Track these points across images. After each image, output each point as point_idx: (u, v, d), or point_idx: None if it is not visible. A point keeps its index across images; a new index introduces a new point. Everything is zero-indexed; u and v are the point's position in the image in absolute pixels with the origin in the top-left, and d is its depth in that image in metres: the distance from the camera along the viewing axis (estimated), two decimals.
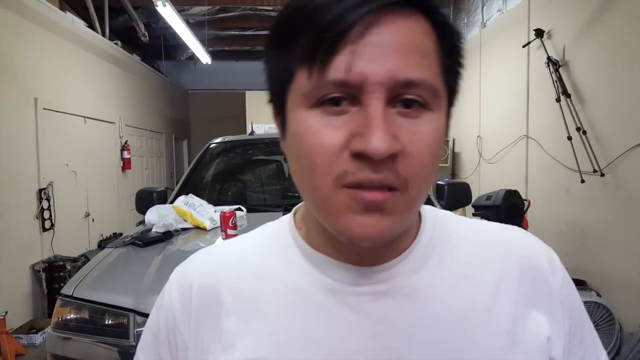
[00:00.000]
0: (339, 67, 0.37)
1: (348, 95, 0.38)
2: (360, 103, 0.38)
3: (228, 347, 0.46)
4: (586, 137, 2.97)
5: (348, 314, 0.45)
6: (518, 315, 0.46)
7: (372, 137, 0.36)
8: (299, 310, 0.46)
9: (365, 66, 0.37)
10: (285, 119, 0.43)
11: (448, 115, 0.44)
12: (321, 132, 0.39)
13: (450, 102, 0.44)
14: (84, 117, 4.97)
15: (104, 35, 5.49)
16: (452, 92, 0.43)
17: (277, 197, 3.08)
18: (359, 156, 0.37)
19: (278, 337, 0.45)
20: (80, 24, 4.87)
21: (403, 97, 0.38)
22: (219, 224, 2.19)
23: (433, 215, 0.51)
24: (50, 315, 1.77)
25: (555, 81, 3.26)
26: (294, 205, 0.55)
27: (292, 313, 0.46)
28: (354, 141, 0.38)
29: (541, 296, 0.48)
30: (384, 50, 0.37)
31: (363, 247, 0.42)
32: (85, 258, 4.14)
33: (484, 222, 0.55)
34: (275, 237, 0.52)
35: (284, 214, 0.54)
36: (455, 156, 5.83)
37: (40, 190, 4.00)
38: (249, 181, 3.27)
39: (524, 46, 3.77)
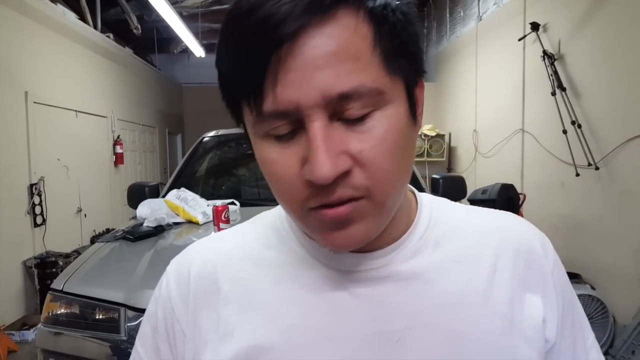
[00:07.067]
0: (270, 101, 0.37)
1: (293, 121, 0.37)
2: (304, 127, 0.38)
3: (226, 336, 0.47)
4: (581, 131, 2.97)
5: (347, 299, 0.46)
6: (514, 298, 0.47)
7: (314, 166, 0.36)
8: (298, 297, 0.46)
9: (294, 92, 0.36)
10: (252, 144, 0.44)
11: (411, 100, 0.41)
12: (278, 162, 0.39)
13: (410, 87, 0.41)
14: (76, 111, 4.91)
15: (95, 27, 5.42)
16: (409, 76, 0.40)
17: (271, 192, 3.04)
18: (312, 182, 0.37)
19: (277, 324, 0.46)
20: (71, 16, 4.81)
21: (346, 110, 0.37)
22: (211, 218, 2.17)
23: (429, 202, 0.52)
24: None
25: (551, 75, 3.25)
26: None
27: (290, 300, 0.47)
28: (305, 168, 0.37)
29: (535, 278, 0.49)
30: (308, 71, 0.35)
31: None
32: (78, 254, 4.10)
33: (478, 207, 0.55)
34: (272, 227, 0.52)
35: None
36: (451, 150, 5.83)
37: (31, 186, 3.95)
38: (242, 175, 3.23)
39: (519, 40, 3.75)
